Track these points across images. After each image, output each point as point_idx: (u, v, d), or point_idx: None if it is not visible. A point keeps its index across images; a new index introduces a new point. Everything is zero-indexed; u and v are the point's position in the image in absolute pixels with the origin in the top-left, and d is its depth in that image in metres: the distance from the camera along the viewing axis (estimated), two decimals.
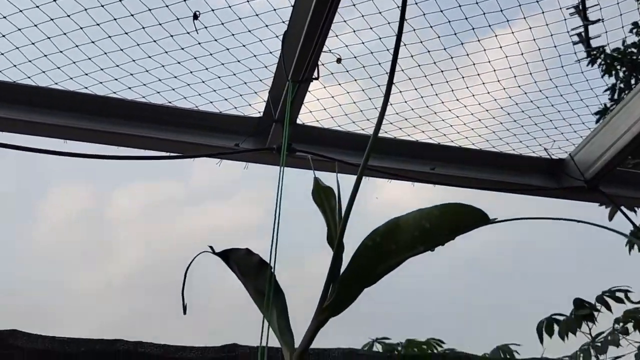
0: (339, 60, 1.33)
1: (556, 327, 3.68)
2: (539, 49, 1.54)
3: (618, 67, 5.23)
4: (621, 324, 3.55)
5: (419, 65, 1.47)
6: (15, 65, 1.34)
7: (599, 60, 4.98)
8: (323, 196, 0.89)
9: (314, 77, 1.25)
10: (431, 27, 1.42)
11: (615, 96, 5.24)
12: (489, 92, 1.61)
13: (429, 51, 1.47)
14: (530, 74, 1.60)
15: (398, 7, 1.32)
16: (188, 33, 1.31)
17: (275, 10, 1.32)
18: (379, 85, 1.48)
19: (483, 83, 1.57)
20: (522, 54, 1.54)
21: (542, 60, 1.58)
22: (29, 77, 1.36)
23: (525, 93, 1.65)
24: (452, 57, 1.47)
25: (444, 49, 1.47)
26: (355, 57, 1.43)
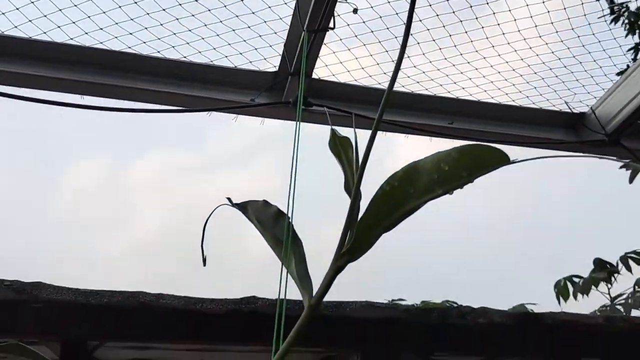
0: (355, 11, 1.31)
1: (571, 288, 3.68)
2: (563, 4, 1.50)
3: None
4: None
5: (437, 15, 1.44)
6: (30, 21, 1.34)
7: (622, 19, 4.83)
8: (340, 146, 0.89)
9: (329, 26, 1.23)
10: None
11: (638, 56, 5.10)
12: (509, 43, 1.58)
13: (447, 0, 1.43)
14: (552, 23, 1.55)
15: None
16: None
17: None
18: (396, 37, 1.45)
19: (503, 33, 1.53)
20: (543, 1, 1.50)
21: (565, 9, 1.53)
22: (44, 33, 1.36)
23: (547, 44, 1.61)
24: (471, 6, 1.44)
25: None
26: (372, 7, 1.40)
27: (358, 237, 0.77)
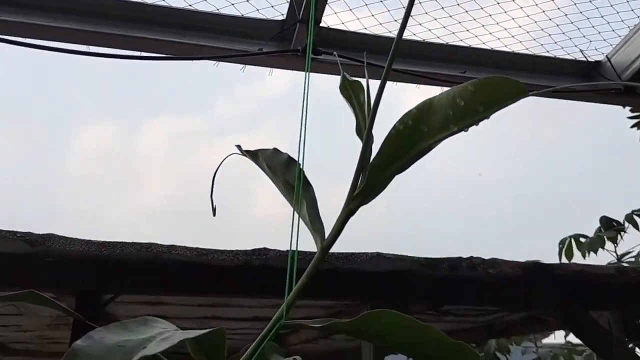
0: None
1: (575, 246, 3.67)
2: None
3: None
4: None
5: None
6: None
7: None
8: (351, 90, 0.87)
9: None
10: None
11: None
12: None
13: None
14: None
15: None
16: None
17: None
18: None
19: None
20: None
21: None
22: None
23: None
24: None
25: None
26: None
27: (370, 180, 0.76)
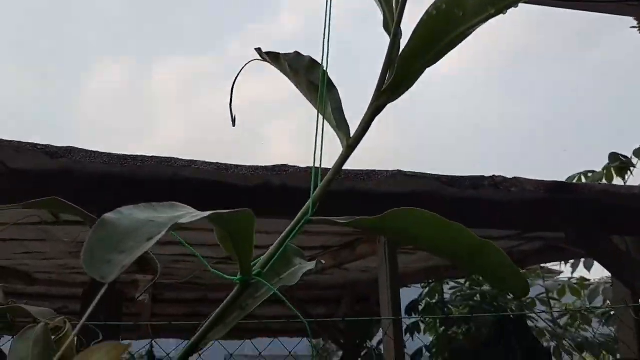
0: None
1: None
2: None
3: None
4: None
5: None
6: None
7: None
8: None
9: None
10: None
11: None
12: None
13: None
14: None
15: None
16: None
17: None
18: None
19: None
20: None
21: None
22: None
23: None
24: None
25: None
26: None
27: (399, 72, 0.73)
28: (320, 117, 0.86)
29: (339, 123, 0.83)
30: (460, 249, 0.72)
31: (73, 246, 3.37)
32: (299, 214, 0.73)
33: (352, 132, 0.83)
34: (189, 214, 0.54)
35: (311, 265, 0.78)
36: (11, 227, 2.68)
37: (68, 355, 0.55)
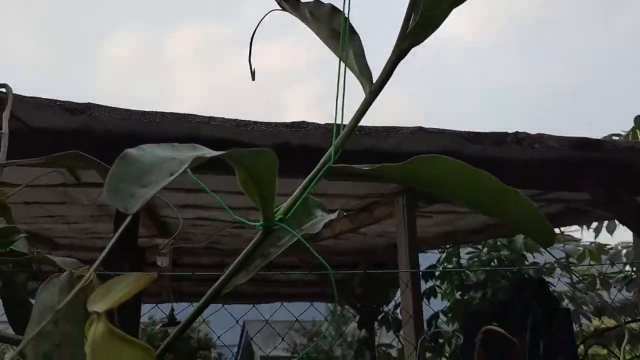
0: None
1: None
2: None
3: None
4: None
5: None
6: None
7: None
8: None
9: None
10: None
11: None
12: None
13: None
14: None
15: None
16: None
17: None
18: None
19: None
20: None
21: None
22: None
23: None
24: None
25: None
26: None
27: (424, 14, 0.70)
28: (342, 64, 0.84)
29: (361, 69, 0.82)
30: (485, 196, 0.71)
31: (94, 209, 3.41)
32: (321, 161, 0.72)
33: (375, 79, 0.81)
34: (209, 152, 0.54)
35: (333, 215, 0.78)
36: (32, 190, 2.71)
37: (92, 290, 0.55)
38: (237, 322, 2.13)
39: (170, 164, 0.47)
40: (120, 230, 0.53)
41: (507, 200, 0.69)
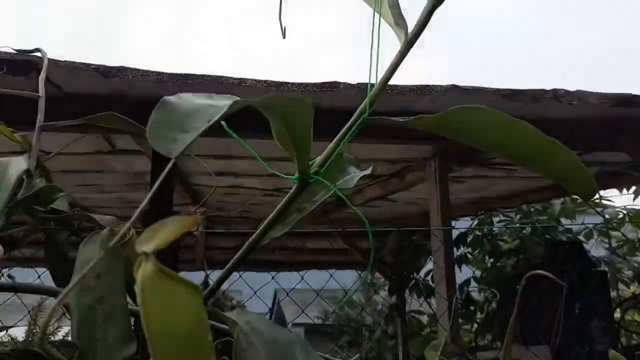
0: None
1: None
2: None
3: None
4: None
5: None
6: None
7: None
8: None
9: None
10: None
11: None
12: None
13: None
14: None
15: None
16: None
17: None
18: None
19: None
20: None
21: None
22: None
23: None
24: None
25: None
26: None
27: None
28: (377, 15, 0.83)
29: (397, 19, 0.80)
30: (528, 148, 0.69)
31: (129, 178, 3.47)
32: (357, 112, 0.71)
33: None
34: (245, 101, 0.53)
35: (367, 171, 0.77)
36: (68, 158, 2.76)
37: (132, 245, 0.55)
38: (272, 277, 2.17)
39: (208, 109, 0.47)
40: (158, 181, 0.53)
41: (552, 152, 0.68)
